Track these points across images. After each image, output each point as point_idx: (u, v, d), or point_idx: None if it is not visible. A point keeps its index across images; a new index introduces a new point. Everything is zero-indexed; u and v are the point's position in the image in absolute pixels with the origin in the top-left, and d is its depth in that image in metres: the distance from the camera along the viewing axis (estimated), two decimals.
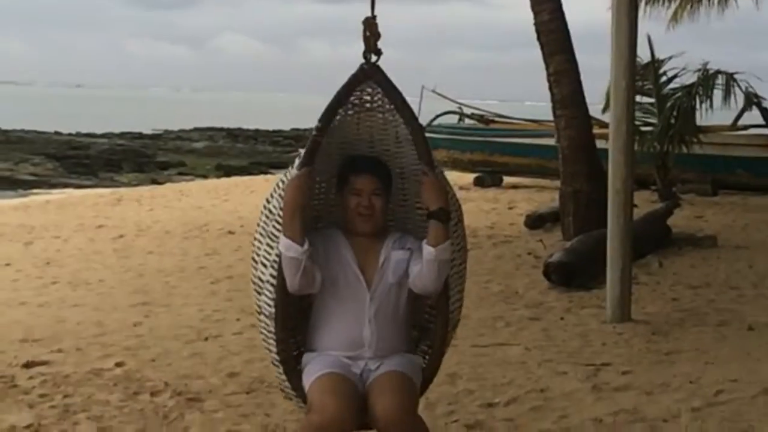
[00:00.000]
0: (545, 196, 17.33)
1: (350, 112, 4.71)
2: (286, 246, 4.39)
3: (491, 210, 16.43)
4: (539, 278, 10.02)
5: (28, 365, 6.97)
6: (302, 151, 4.54)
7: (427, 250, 4.39)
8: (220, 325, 8.39)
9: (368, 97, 4.70)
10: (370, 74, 4.56)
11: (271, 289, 4.53)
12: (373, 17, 4.52)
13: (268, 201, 4.59)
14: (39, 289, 10.11)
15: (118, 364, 7.03)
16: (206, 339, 7.91)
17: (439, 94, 22.39)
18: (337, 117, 4.65)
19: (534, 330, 8.18)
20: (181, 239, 13.48)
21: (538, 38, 12.96)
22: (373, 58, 4.55)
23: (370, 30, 4.52)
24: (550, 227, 13.50)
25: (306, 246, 4.38)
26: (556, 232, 12.84)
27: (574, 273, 9.81)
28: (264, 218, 4.59)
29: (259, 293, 4.61)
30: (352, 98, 4.65)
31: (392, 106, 4.64)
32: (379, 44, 4.53)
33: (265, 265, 4.54)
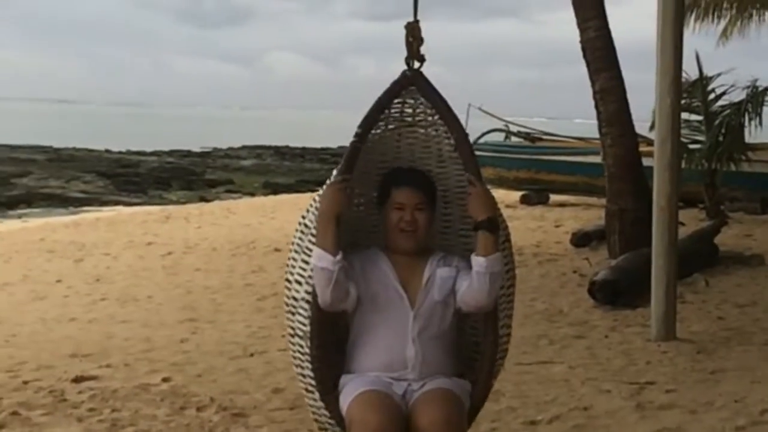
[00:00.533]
0: (592, 214, 17.27)
1: (390, 126, 4.49)
2: (318, 256, 4.15)
3: (537, 228, 16.40)
4: (584, 296, 10.01)
5: (77, 380, 7.08)
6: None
7: (477, 261, 4.16)
8: (265, 341, 8.45)
9: (409, 110, 4.48)
10: (412, 80, 4.35)
11: (306, 306, 4.28)
12: (416, 21, 4.30)
13: (303, 216, 4.38)
14: (88, 305, 10.25)
15: (165, 380, 7.12)
16: (251, 355, 7.98)
17: (485, 112, 22.43)
18: (377, 131, 4.46)
19: (578, 348, 8.17)
20: (228, 256, 13.59)
21: (584, 55, 12.93)
22: (416, 64, 4.34)
23: (413, 34, 4.29)
24: (596, 245, 13.44)
25: (339, 257, 4.13)
26: (602, 251, 12.79)
27: (619, 291, 9.79)
28: (299, 233, 4.37)
29: (293, 313, 4.37)
30: (392, 111, 4.45)
31: (435, 119, 4.44)
32: (424, 52, 4.32)
33: (300, 283, 4.30)
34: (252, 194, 29.20)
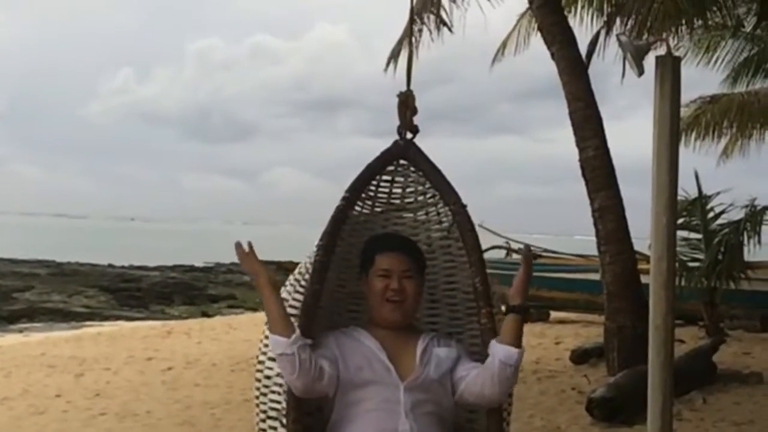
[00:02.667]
0: (592, 331, 17.28)
1: (377, 209, 4.27)
2: (273, 344, 3.75)
3: (537, 345, 16.40)
4: (582, 413, 10.01)
5: None
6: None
7: (506, 351, 3.83)
8: None
9: (398, 190, 4.29)
10: (405, 149, 4.18)
11: (280, 382, 3.91)
12: (410, 90, 4.14)
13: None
14: (87, 420, 10.24)
15: None
16: None
17: (486, 229, 22.61)
18: (364, 212, 4.25)
19: None
20: (228, 372, 13.60)
21: (583, 174, 13.08)
22: (409, 135, 4.17)
23: (406, 103, 4.12)
24: (595, 362, 13.45)
25: (295, 335, 3.71)
26: (602, 368, 12.81)
27: (617, 409, 9.79)
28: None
29: (265, 394, 4.03)
30: (380, 190, 4.25)
31: (426, 199, 4.25)
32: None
33: (273, 359, 3.91)
34: (254, 309, 29.20)
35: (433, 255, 4.28)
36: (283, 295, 4.04)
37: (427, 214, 4.30)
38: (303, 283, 4.03)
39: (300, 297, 4.00)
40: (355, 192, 4.13)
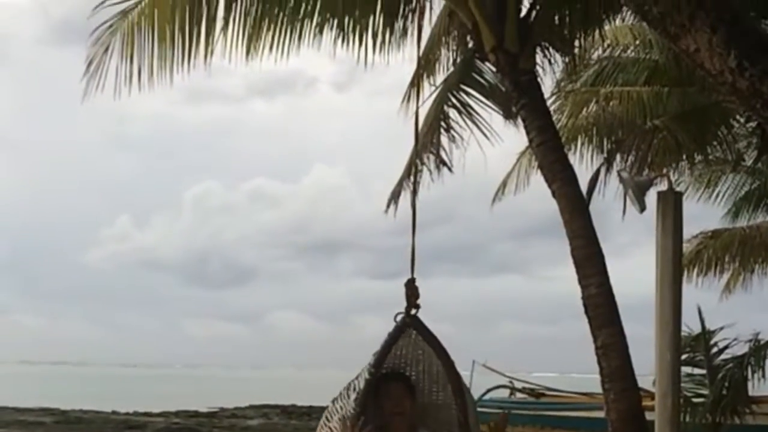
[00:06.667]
0: None
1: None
2: None
3: None
4: None
5: None
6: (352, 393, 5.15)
7: None
8: None
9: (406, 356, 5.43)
10: (411, 323, 5.25)
11: None
12: (413, 278, 5.27)
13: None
14: None
15: None
16: None
17: (489, 369, 22.49)
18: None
19: None
20: None
21: (586, 311, 13.01)
22: (413, 311, 5.28)
23: (411, 290, 5.24)
24: None
25: None
26: None
27: None
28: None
29: None
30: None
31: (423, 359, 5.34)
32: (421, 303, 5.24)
33: None
34: None
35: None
36: None
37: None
38: None
39: None
40: (378, 365, 5.20)
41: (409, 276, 5.37)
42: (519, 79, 11.90)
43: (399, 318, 5.37)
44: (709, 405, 16.49)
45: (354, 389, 5.26)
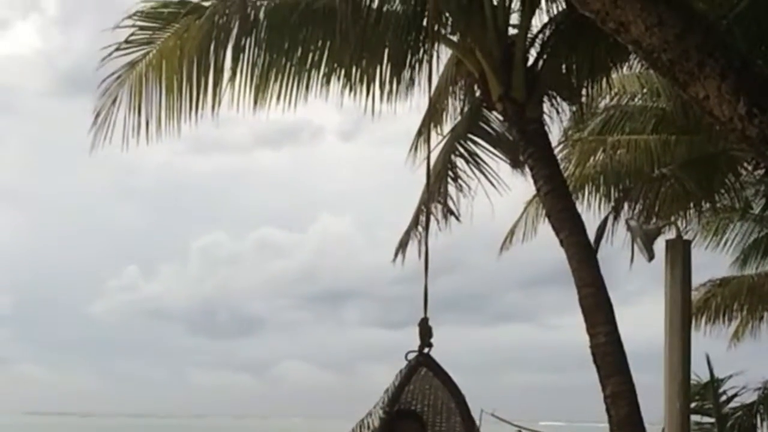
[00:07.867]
0: None
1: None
2: None
3: None
4: None
5: None
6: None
7: None
8: None
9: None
10: (425, 361, 5.34)
11: None
12: (426, 318, 5.36)
13: None
14: None
15: None
16: None
17: (498, 418, 22.34)
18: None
19: None
20: None
21: (594, 360, 12.97)
22: (425, 350, 5.35)
23: (424, 329, 5.33)
24: None
25: None
26: None
27: None
28: None
29: None
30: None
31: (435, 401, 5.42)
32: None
33: None
34: None
35: None
36: None
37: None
38: None
39: None
40: (393, 404, 5.25)
41: (421, 317, 5.47)
42: (526, 128, 11.91)
43: (411, 356, 5.46)
44: None
45: (368, 427, 5.33)
